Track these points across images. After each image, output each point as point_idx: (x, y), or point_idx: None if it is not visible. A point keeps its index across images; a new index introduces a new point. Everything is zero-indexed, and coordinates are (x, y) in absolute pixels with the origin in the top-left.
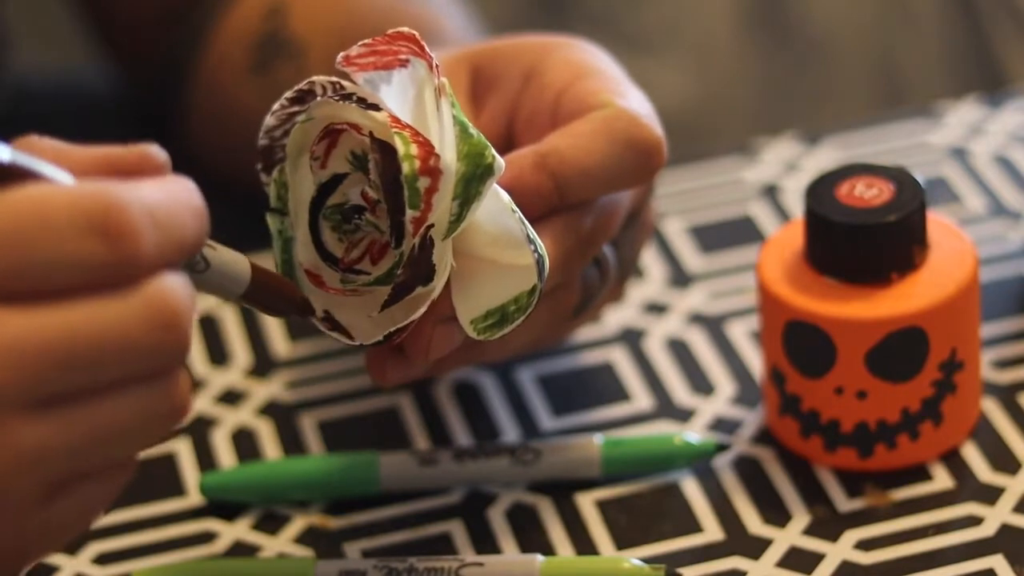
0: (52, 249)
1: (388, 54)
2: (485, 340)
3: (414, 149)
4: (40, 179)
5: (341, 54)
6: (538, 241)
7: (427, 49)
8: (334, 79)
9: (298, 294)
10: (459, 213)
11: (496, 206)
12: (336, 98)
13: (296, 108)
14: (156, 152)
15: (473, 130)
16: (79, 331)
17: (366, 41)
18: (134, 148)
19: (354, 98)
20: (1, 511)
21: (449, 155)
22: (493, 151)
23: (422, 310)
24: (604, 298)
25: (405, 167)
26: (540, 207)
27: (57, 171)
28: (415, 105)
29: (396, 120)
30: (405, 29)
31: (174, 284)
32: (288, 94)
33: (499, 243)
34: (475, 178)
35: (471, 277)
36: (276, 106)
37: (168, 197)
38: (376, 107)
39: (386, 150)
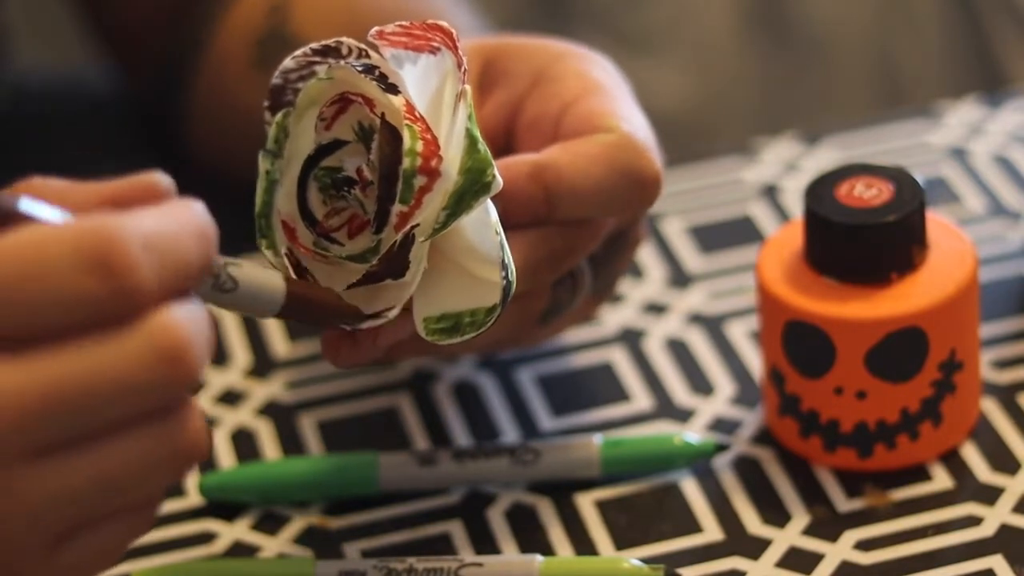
0: (48, 290)
1: (422, 39)
2: (434, 342)
3: (420, 146)
4: (37, 222)
5: (375, 28)
6: (511, 268)
7: (460, 50)
8: (362, 45)
9: (343, 303)
10: (445, 222)
11: (482, 219)
12: (359, 68)
13: (318, 59)
14: (159, 180)
15: (481, 145)
16: (79, 374)
17: (403, 23)
18: (137, 178)
19: (376, 72)
20: (6, 562)
21: (452, 159)
22: (495, 170)
23: (397, 309)
24: (580, 309)
25: (406, 162)
26: (527, 216)
27: (54, 212)
28: (433, 96)
29: (411, 109)
30: (444, 23)
31: (178, 315)
32: (314, 45)
33: (475, 252)
34: (470, 193)
35: (438, 276)
36: (299, 52)
37: (168, 223)
38: (395, 89)
39: (393, 137)
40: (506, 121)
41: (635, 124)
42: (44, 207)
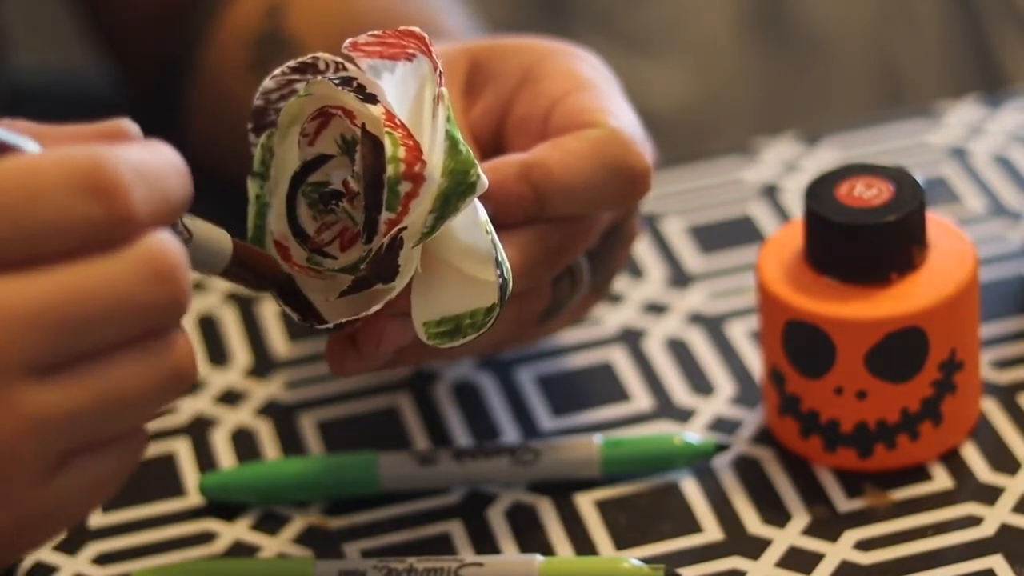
0: (45, 212)
1: (396, 47)
2: (435, 346)
3: (402, 152)
4: (21, 152)
5: (349, 40)
6: (506, 265)
7: (435, 54)
8: (339, 59)
9: (281, 270)
10: (433, 225)
11: (472, 219)
12: (336, 81)
13: (296, 77)
14: (128, 125)
15: (463, 146)
16: (76, 292)
17: (376, 32)
18: (107, 123)
19: (354, 84)
20: (2, 483)
21: (435, 163)
22: (479, 169)
23: (377, 307)
24: (579, 306)
25: (390, 169)
26: (518, 216)
27: (37, 145)
28: (414, 102)
29: (390, 117)
30: (416, 29)
31: (166, 239)
32: (291, 63)
33: (468, 253)
34: (456, 195)
35: (434, 279)
36: (277, 71)
37: (152, 156)
38: (374, 99)
39: (375, 146)
40: (496, 121)
41: (623, 119)
42: (25, 139)
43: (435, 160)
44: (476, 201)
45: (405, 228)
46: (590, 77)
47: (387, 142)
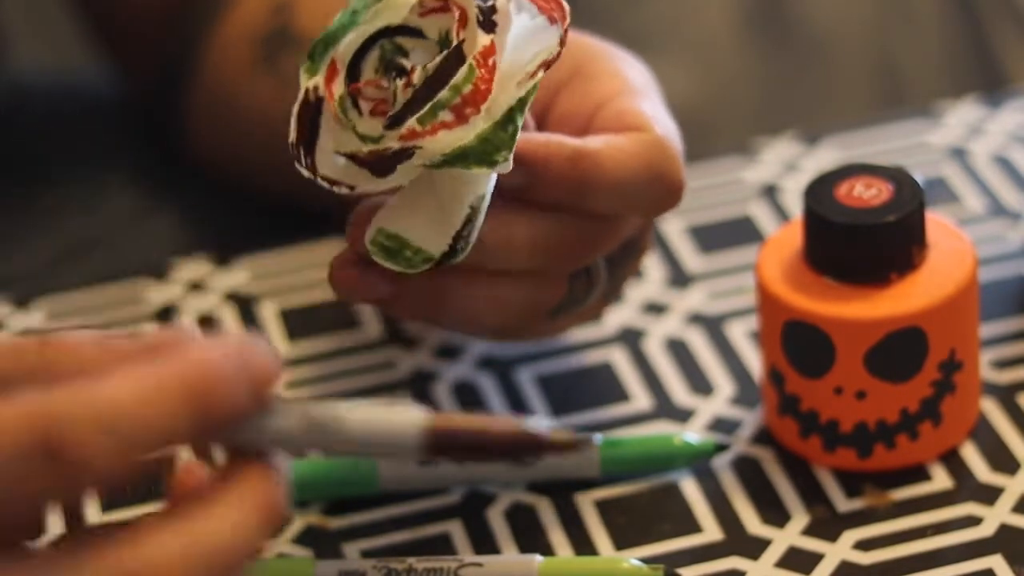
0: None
1: (553, 2)
2: (371, 254)
3: (468, 88)
4: None
5: None
6: (468, 241)
7: (565, 39)
8: None
9: (510, 436)
10: (439, 164)
11: (476, 181)
12: None
13: None
14: (184, 331)
15: (512, 128)
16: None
17: None
18: (164, 333)
19: (488, 3)
20: None
21: (482, 117)
22: (510, 156)
23: (356, 190)
24: (589, 309)
25: (446, 93)
26: (556, 197)
27: None
28: (519, 59)
29: (486, 54)
30: (566, 5)
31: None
32: None
33: (454, 200)
34: (474, 159)
35: (415, 199)
36: None
37: (142, 389)
38: (491, 26)
39: (453, 64)
40: (539, 108)
41: (668, 128)
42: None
43: (487, 115)
44: (492, 175)
45: (420, 148)
46: (637, 82)
47: (464, 70)
